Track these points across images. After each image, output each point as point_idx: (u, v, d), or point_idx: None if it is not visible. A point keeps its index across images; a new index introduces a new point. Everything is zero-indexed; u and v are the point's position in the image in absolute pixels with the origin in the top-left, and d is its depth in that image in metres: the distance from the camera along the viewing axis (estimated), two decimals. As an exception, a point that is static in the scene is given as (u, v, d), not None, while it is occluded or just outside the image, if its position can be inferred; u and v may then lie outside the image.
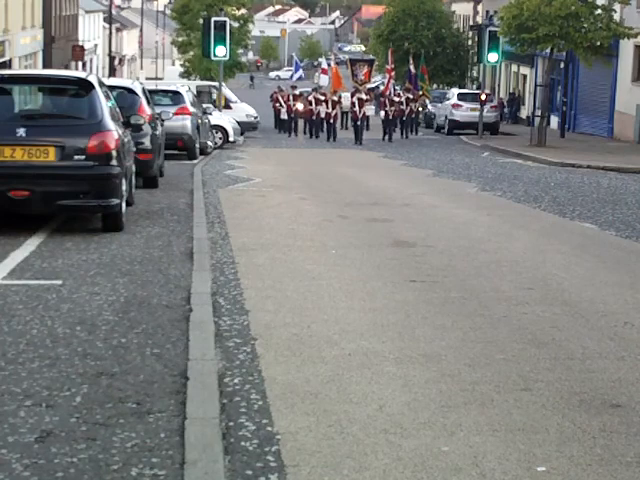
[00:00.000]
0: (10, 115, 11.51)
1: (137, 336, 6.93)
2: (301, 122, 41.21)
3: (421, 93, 44.63)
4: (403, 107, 39.69)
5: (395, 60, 47.11)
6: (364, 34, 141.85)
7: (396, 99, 39.59)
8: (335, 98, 39.09)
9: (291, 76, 54.73)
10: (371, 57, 55.10)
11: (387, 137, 37.67)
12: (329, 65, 49.42)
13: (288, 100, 41.01)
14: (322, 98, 38.75)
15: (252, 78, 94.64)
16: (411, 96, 41.16)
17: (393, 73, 43.95)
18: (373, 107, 43.15)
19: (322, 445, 4.99)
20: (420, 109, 44.65)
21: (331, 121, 37.83)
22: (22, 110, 12.03)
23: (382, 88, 49.04)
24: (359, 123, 35.99)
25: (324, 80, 44.45)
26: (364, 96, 37.43)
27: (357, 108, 36.20)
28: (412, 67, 45.76)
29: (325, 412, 5.48)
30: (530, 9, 32.90)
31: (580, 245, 12.25)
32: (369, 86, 48.12)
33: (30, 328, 7.08)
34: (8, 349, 6.52)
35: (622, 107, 38.77)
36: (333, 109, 38.13)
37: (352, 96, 38.31)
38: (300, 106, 40.37)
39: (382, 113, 39.37)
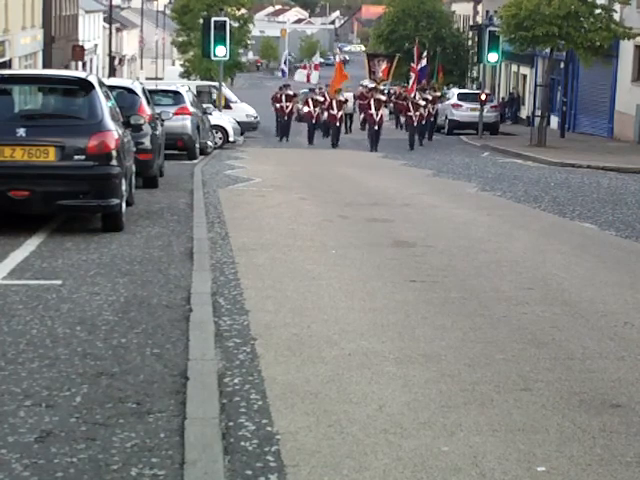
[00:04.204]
0: (10, 115, 11.51)
1: (137, 336, 6.93)
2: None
3: (439, 94, 40.65)
4: (421, 110, 34.59)
5: (398, 60, 45.79)
6: (364, 34, 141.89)
7: (422, 102, 34.66)
8: (341, 98, 34.81)
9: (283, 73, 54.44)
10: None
11: (412, 145, 33.35)
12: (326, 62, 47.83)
13: (280, 101, 37.16)
14: (321, 99, 35.42)
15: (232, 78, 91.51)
16: (429, 97, 36.53)
17: (418, 72, 39.49)
18: (387, 111, 39.12)
19: (322, 445, 4.99)
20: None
21: (337, 124, 34.07)
22: (22, 110, 12.03)
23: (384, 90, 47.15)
24: (377, 128, 32.31)
25: (315, 77, 43.07)
26: (383, 97, 34.01)
27: (374, 111, 32.30)
28: (424, 61, 42.12)
29: (325, 412, 5.48)
30: (529, 8, 32.90)
31: (580, 245, 12.25)
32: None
33: (30, 328, 7.08)
34: (8, 349, 6.52)
35: (622, 107, 38.77)
36: (339, 111, 33.98)
37: (361, 97, 36.98)
38: (305, 109, 36.50)
39: (402, 118, 35.26)
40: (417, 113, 34.01)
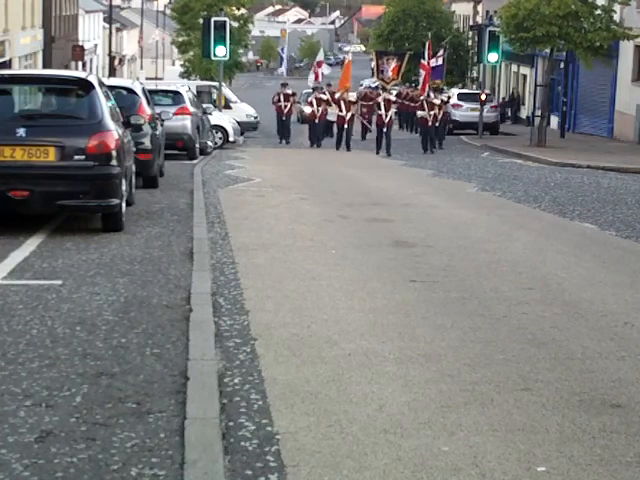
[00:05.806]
0: (10, 115, 11.51)
1: (137, 336, 6.93)
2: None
3: (448, 95, 38.72)
4: (436, 110, 32.16)
5: (403, 61, 45.08)
6: (364, 34, 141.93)
7: (436, 102, 32.36)
8: (351, 98, 32.61)
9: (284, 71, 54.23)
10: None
11: (425, 147, 31.77)
12: (340, 60, 46.61)
13: (279, 101, 34.71)
14: (325, 98, 33.17)
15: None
16: (445, 98, 34.56)
17: (431, 70, 37.69)
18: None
19: (322, 445, 4.99)
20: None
21: (345, 126, 31.70)
22: (22, 110, 12.03)
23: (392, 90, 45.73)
24: (385, 130, 30.18)
25: (320, 75, 42.45)
26: (392, 97, 31.90)
27: (383, 111, 30.33)
28: (440, 60, 40.81)
29: (325, 412, 5.48)
30: (528, 8, 32.90)
31: (580, 245, 12.25)
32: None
33: (30, 328, 7.08)
34: (8, 349, 6.52)
35: (622, 107, 38.77)
36: (347, 111, 31.78)
37: (364, 98, 36.39)
38: (308, 109, 34.49)
39: (420, 118, 33.06)
40: (432, 113, 31.87)
